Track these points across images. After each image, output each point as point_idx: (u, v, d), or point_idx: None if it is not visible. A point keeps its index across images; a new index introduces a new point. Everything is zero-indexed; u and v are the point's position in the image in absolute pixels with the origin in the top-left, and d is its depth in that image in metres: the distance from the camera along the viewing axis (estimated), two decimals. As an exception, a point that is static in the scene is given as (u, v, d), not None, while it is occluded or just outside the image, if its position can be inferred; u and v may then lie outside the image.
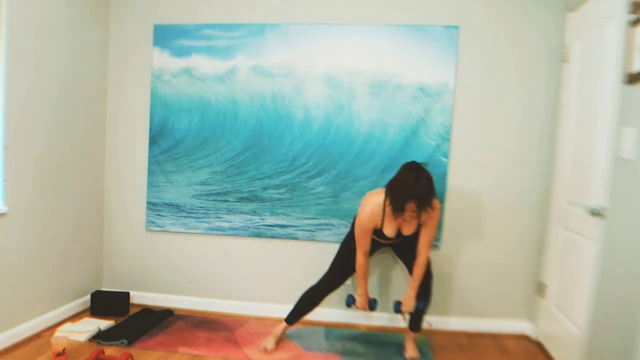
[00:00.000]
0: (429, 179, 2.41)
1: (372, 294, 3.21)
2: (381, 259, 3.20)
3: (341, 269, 2.78)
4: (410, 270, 2.75)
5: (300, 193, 3.23)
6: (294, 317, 2.82)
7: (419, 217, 2.53)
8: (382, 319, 3.21)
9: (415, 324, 2.77)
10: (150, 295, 3.45)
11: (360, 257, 2.67)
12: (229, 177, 3.31)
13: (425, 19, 3.08)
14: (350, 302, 2.79)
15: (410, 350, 2.74)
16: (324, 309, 3.25)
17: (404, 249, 2.75)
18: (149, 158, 3.38)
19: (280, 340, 2.84)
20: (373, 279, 3.24)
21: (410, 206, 2.40)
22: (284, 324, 2.83)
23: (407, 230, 2.60)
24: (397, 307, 2.70)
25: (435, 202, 2.52)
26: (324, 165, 3.20)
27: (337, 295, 3.27)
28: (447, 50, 3.06)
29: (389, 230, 2.60)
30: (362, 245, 2.64)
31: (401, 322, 3.17)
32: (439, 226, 3.13)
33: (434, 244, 3.15)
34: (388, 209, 2.52)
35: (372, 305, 2.78)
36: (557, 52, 2.98)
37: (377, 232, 2.63)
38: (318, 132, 3.20)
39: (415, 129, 3.11)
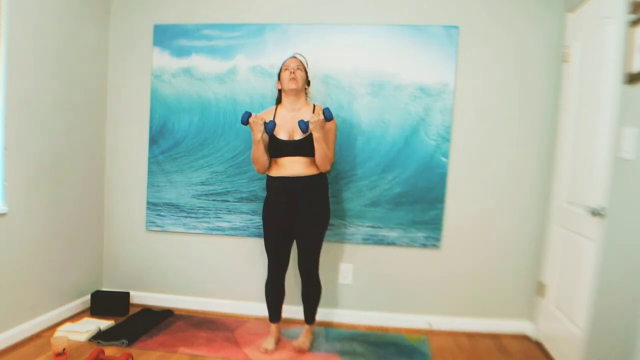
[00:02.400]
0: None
1: (371, 293, 3.21)
2: (376, 261, 3.20)
3: (275, 245, 2.74)
4: (300, 258, 2.74)
5: (300, 193, 3.22)
6: (271, 315, 2.84)
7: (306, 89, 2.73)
8: (382, 319, 3.21)
9: (310, 315, 2.81)
10: (150, 295, 3.45)
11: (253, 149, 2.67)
12: (229, 177, 3.31)
13: (425, 19, 3.08)
14: (245, 119, 2.63)
15: (305, 339, 2.80)
16: (324, 309, 3.25)
17: (305, 223, 2.70)
18: (149, 158, 3.38)
19: (278, 340, 2.84)
20: (369, 278, 3.23)
21: (295, 61, 2.71)
22: (272, 324, 2.84)
23: (300, 134, 2.63)
24: (306, 124, 2.58)
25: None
26: (324, 165, 3.20)
27: (338, 295, 3.27)
28: (447, 50, 3.06)
29: (280, 132, 2.65)
30: (255, 141, 2.63)
31: (399, 322, 3.18)
32: (438, 226, 3.13)
33: (434, 244, 3.15)
34: (279, 112, 2.72)
35: (269, 126, 2.62)
36: (557, 52, 2.98)
37: (272, 141, 2.65)
38: (318, 132, 3.19)
39: (415, 128, 3.11)
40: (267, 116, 2.73)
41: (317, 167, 2.67)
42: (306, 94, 2.80)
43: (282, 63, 2.76)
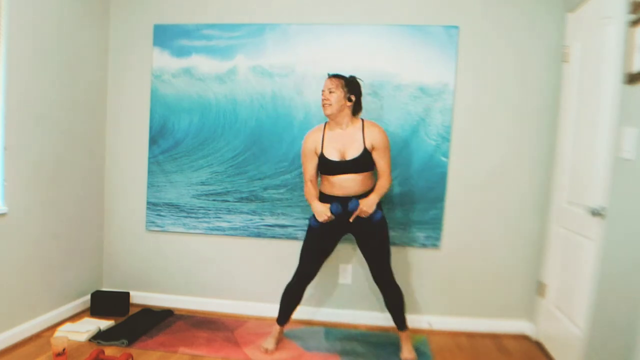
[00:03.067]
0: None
1: (371, 293, 3.21)
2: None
3: (310, 258, 2.72)
4: (373, 271, 2.70)
5: (300, 193, 3.23)
6: (282, 317, 2.80)
7: (363, 138, 2.60)
8: (382, 319, 3.21)
9: (399, 321, 2.74)
10: (150, 295, 3.45)
11: (306, 184, 2.71)
12: (229, 177, 3.31)
13: (425, 19, 3.08)
14: (314, 224, 2.66)
15: (406, 352, 2.72)
16: (324, 309, 3.25)
17: (367, 239, 2.68)
18: (149, 158, 3.38)
19: (279, 340, 2.84)
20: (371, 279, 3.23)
21: (331, 82, 2.60)
22: (277, 326, 2.82)
23: (351, 153, 2.59)
24: (355, 205, 2.56)
25: (378, 125, 2.69)
26: (324, 165, 3.20)
27: (338, 295, 3.27)
28: (447, 50, 3.06)
29: (330, 151, 2.61)
30: (307, 170, 2.70)
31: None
32: (438, 226, 3.13)
33: (434, 244, 3.15)
34: (328, 132, 2.66)
35: (333, 209, 2.59)
36: (557, 52, 2.98)
37: (323, 162, 2.63)
38: (318, 132, 3.19)
39: (415, 128, 3.11)
40: (316, 135, 2.68)
41: (371, 182, 2.66)
42: (354, 108, 2.66)
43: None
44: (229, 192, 3.32)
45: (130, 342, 2.76)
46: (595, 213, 2.29)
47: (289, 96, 3.20)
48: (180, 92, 3.32)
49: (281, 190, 3.25)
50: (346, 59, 3.14)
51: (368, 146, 2.60)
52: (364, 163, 2.60)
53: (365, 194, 2.63)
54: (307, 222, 3.23)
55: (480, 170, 3.12)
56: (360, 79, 2.71)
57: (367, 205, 2.57)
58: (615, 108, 2.21)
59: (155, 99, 3.34)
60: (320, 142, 2.66)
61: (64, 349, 2.40)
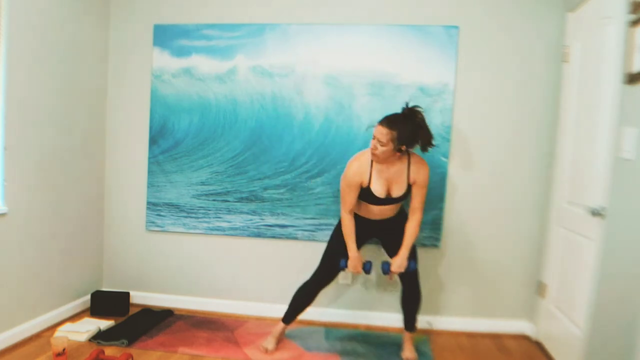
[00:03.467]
0: (411, 116, 2.45)
1: (372, 293, 3.21)
2: (378, 259, 3.21)
3: (331, 263, 2.73)
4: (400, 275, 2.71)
5: (300, 193, 3.23)
6: (289, 316, 2.81)
7: (408, 174, 2.54)
8: (382, 319, 3.21)
9: (410, 323, 2.76)
10: (150, 295, 3.45)
11: (345, 215, 2.61)
12: (229, 177, 3.31)
13: (425, 19, 3.08)
14: (342, 265, 2.67)
15: (408, 351, 2.73)
16: (324, 309, 3.25)
17: (391, 239, 2.71)
18: (149, 158, 3.38)
19: (279, 340, 2.84)
20: (371, 278, 3.23)
21: (381, 132, 2.40)
22: (282, 324, 2.82)
23: (397, 191, 2.56)
24: (386, 268, 2.62)
25: (424, 161, 2.59)
26: (324, 165, 3.20)
27: (337, 295, 3.27)
28: (447, 50, 3.06)
29: (378, 188, 2.55)
30: (347, 202, 2.58)
31: (399, 322, 3.17)
32: (438, 226, 3.14)
33: (434, 243, 3.15)
34: (375, 164, 2.54)
35: (366, 267, 2.66)
36: (557, 52, 2.98)
37: (366, 192, 2.57)
38: (318, 132, 3.20)
39: (415, 129, 3.11)
40: (364, 168, 2.54)
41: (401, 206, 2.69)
42: (403, 150, 2.51)
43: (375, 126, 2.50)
44: (229, 192, 3.32)
45: (130, 342, 2.76)
46: (595, 213, 2.29)
47: (289, 96, 3.20)
48: (180, 92, 3.32)
49: (281, 190, 3.25)
50: (346, 59, 3.14)
51: (411, 182, 2.58)
52: (406, 197, 2.62)
53: (396, 215, 2.68)
54: (307, 222, 3.23)
55: (480, 171, 3.12)
56: (420, 108, 2.49)
57: (401, 266, 2.60)
58: (615, 108, 2.21)
59: (155, 99, 3.34)
60: (368, 176, 2.54)
61: (64, 349, 2.40)
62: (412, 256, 2.65)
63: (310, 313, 3.24)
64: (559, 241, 2.84)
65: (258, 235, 3.30)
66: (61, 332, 2.80)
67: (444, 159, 3.10)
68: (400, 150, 2.47)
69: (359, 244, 2.71)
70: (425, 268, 3.19)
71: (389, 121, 2.43)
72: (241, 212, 3.31)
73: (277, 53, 3.20)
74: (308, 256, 3.25)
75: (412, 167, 2.56)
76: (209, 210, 3.34)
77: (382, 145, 2.42)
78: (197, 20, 3.27)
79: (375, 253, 3.17)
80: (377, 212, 2.64)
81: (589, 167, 2.48)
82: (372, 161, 2.54)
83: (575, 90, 2.75)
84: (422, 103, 3.09)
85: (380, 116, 3.10)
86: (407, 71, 3.10)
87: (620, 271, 2.07)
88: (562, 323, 2.65)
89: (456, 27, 3.05)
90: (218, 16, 3.26)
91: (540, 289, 3.04)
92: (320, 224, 3.23)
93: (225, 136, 3.30)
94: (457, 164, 3.11)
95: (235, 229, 3.33)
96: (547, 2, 2.99)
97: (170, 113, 3.34)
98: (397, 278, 2.78)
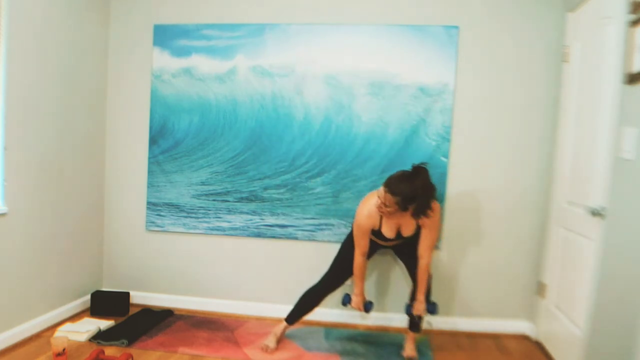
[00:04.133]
0: (414, 179, 2.42)
1: (371, 294, 3.21)
2: (380, 261, 3.21)
3: (341, 269, 2.78)
4: (409, 269, 2.76)
5: (300, 193, 3.23)
6: (294, 317, 2.82)
7: (416, 218, 2.52)
8: (382, 319, 3.21)
9: (416, 325, 2.77)
10: (150, 295, 3.45)
11: (358, 258, 2.68)
12: (229, 177, 3.31)
13: (425, 19, 3.08)
14: (346, 301, 2.78)
15: (409, 350, 2.74)
16: (324, 309, 3.25)
17: (404, 248, 2.76)
18: (149, 158, 3.38)
19: (280, 340, 2.84)
20: (372, 279, 3.24)
21: (386, 197, 2.40)
22: (284, 323, 2.83)
23: (407, 232, 2.62)
24: (409, 310, 2.70)
25: (435, 205, 2.53)
26: (324, 165, 3.20)
27: (337, 295, 3.27)
28: (447, 50, 3.06)
29: (387, 230, 2.61)
30: (361, 245, 2.66)
31: (401, 322, 3.18)
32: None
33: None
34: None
35: (367, 307, 2.77)
36: (557, 52, 2.98)
37: (377, 233, 2.63)
38: (318, 132, 3.20)
39: (415, 128, 3.11)
40: (373, 214, 2.57)
41: None
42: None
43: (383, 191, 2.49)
44: (229, 192, 3.32)
45: (130, 342, 2.76)
46: (595, 213, 2.29)
47: (289, 96, 3.20)
48: (180, 92, 3.32)
49: (281, 190, 3.25)
50: (346, 59, 3.14)
51: (420, 224, 2.60)
52: (417, 236, 2.64)
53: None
54: (307, 222, 3.23)
55: (480, 171, 3.11)
56: (427, 166, 2.48)
57: (421, 310, 2.65)
58: (615, 108, 2.21)
59: (155, 99, 3.34)
60: (379, 221, 2.60)
61: (64, 349, 2.40)
62: (428, 294, 2.70)
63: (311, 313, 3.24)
64: (559, 241, 2.84)
65: (258, 235, 3.30)
66: (61, 332, 2.80)
67: (444, 159, 3.10)
68: (407, 209, 2.46)
69: (372, 252, 2.77)
70: (425, 268, 3.19)
71: (393, 185, 2.42)
72: (241, 212, 3.31)
73: (277, 53, 3.20)
74: (308, 256, 3.25)
75: (420, 308, 2.65)
76: (209, 210, 3.34)
77: (387, 207, 2.45)
78: (197, 20, 3.27)
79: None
80: (390, 244, 2.74)
81: (589, 167, 2.48)
82: None
83: (575, 90, 2.75)
84: (422, 103, 3.10)
85: (379, 116, 3.12)
86: (407, 71, 3.10)
87: (620, 271, 2.07)
88: (562, 323, 2.65)
89: (456, 27, 3.05)
90: (218, 16, 3.26)
91: (540, 289, 3.04)
92: (320, 224, 3.23)
93: (225, 136, 3.30)
94: (457, 164, 3.11)
95: (235, 229, 3.33)
96: (547, 2, 2.99)
97: (170, 113, 3.34)
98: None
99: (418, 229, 2.62)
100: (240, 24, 3.23)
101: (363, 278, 2.73)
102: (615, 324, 2.07)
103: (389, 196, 2.42)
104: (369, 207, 2.59)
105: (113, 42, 3.38)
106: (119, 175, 3.44)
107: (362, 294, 2.75)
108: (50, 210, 2.92)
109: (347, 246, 2.76)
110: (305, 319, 3.21)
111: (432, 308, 2.69)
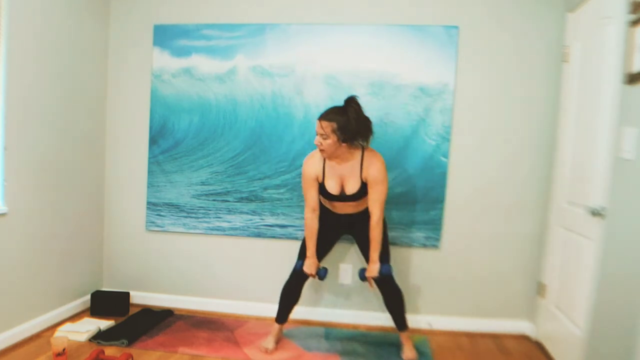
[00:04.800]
0: (346, 108, 2.50)
1: (372, 293, 3.21)
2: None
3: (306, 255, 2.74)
4: (367, 258, 2.72)
5: (300, 193, 3.23)
6: (281, 315, 2.81)
7: (360, 170, 2.55)
8: (382, 319, 3.21)
9: (400, 323, 2.75)
10: (150, 295, 3.45)
11: (307, 214, 2.68)
12: (229, 177, 3.31)
13: (425, 19, 3.08)
14: (298, 267, 2.70)
15: (408, 351, 2.73)
16: (324, 309, 3.25)
17: (362, 235, 2.70)
18: (149, 158, 3.38)
19: (279, 340, 2.84)
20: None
21: (322, 126, 2.47)
22: (276, 324, 2.82)
23: (351, 188, 2.59)
24: (362, 274, 2.67)
25: (378, 157, 2.58)
26: (324, 165, 3.20)
27: (338, 295, 3.27)
28: (447, 50, 3.06)
29: (331, 185, 2.61)
30: (309, 199, 2.66)
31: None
32: (438, 226, 3.13)
33: (434, 244, 3.15)
34: (327, 161, 2.61)
35: (321, 273, 2.70)
36: (557, 52, 2.98)
37: (322, 189, 2.63)
38: (318, 132, 3.19)
39: (415, 128, 3.11)
40: (317, 164, 2.62)
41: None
42: (354, 142, 2.56)
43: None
44: (229, 192, 3.32)
45: (130, 342, 2.76)
46: (595, 213, 2.29)
47: (289, 96, 3.20)
48: (180, 92, 3.32)
49: (281, 190, 3.25)
50: (346, 59, 3.14)
51: (364, 179, 2.59)
52: (362, 194, 2.62)
53: (363, 211, 2.67)
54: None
55: (480, 171, 3.12)
56: (357, 97, 2.56)
57: (374, 270, 2.60)
58: (615, 108, 2.21)
59: (155, 99, 3.34)
60: (321, 171, 2.62)
61: (64, 349, 2.40)
62: (385, 259, 2.66)
63: (310, 313, 3.24)
64: (559, 241, 2.84)
65: (258, 235, 3.30)
66: (61, 332, 2.80)
67: (444, 159, 3.10)
68: (347, 142, 2.50)
69: (331, 239, 2.79)
70: (425, 268, 3.19)
71: (326, 114, 2.51)
72: (241, 212, 3.31)
73: (277, 53, 3.20)
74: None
75: (364, 163, 2.58)
76: (209, 210, 3.34)
77: (325, 139, 2.49)
78: (197, 20, 3.27)
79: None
80: (339, 207, 2.70)
81: (589, 167, 2.48)
82: (324, 158, 2.61)
83: (575, 90, 2.75)
84: (422, 103, 3.10)
85: (379, 116, 3.12)
86: (407, 71, 3.10)
87: (620, 271, 2.07)
88: (562, 323, 2.65)
89: (456, 27, 3.05)
90: (218, 16, 3.26)
91: (540, 289, 3.04)
92: (320, 224, 3.22)
93: (225, 136, 3.30)
94: (457, 164, 3.11)
95: (235, 229, 3.33)
96: (547, 2, 2.99)
97: (170, 113, 3.34)
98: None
99: (362, 188, 2.58)
100: (240, 24, 3.23)
101: (314, 239, 2.68)
102: (615, 324, 2.07)
103: (325, 123, 2.47)
104: (313, 158, 2.66)
105: (113, 42, 3.38)
106: (119, 175, 3.44)
107: (314, 256, 2.69)
108: (50, 210, 2.92)
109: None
110: (306, 319, 3.22)
111: (386, 270, 2.60)
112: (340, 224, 2.78)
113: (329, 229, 2.77)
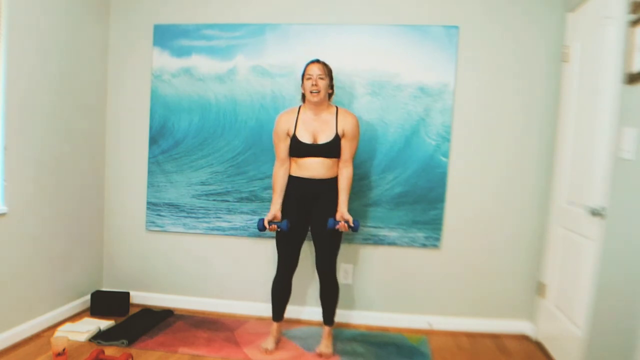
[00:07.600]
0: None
1: (371, 294, 3.21)
2: (379, 260, 3.20)
3: (285, 245, 2.75)
4: (317, 259, 2.73)
5: (300, 193, 3.22)
6: (276, 313, 2.82)
7: (336, 124, 2.64)
8: (381, 319, 3.21)
9: (328, 317, 2.79)
10: (150, 295, 3.44)
11: (276, 166, 2.73)
12: (229, 177, 3.31)
13: (425, 19, 3.08)
14: (260, 225, 2.66)
15: (324, 346, 2.74)
16: (324, 309, 3.25)
17: (321, 231, 2.68)
18: (149, 158, 3.38)
19: (278, 340, 2.84)
20: (372, 279, 3.23)
21: (320, 68, 2.62)
22: (274, 323, 2.83)
23: (323, 138, 2.64)
24: (332, 222, 2.59)
25: (354, 116, 2.71)
26: (324, 165, 3.20)
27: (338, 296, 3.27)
28: (447, 50, 3.06)
29: (303, 135, 2.64)
30: (278, 151, 2.72)
31: (399, 322, 3.18)
32: (438, 226, 3.13)
33: (434, 244, 3.15)
34: (302, 115, 2.69)
35: (283, 225, 2.65)
36: (557, 52, 2.98)
37: (293, 140, 2.66)
38: (318, 132, 3.19)
39: (415, 128, 3.11)
40: (290, 117, 2.71)
41: (337, 168, 2.70)
42: (329, 96, 2.74)
43: (304, 66, 2.69)
44: (229, 192, 3.32)
45: (130, 342, 2.76)
46: (595, 213, 2.29)
47: (289, 96, 3.20)
48: (180, 92, 3.32)
49: (281, 190, 3.25)
50: (346, 59, 3.13)
51: (339, 132, 2.65)
52: (334, 149, 2.65)
53: (329, 179, 2.69)
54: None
55: (480, 171, 3.11)
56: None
57: (346, 216, 2.62)
58: (615, 108, 2.21)
59: (155, 99, 3.34)
60: (294, 124, 2.68)
61: (64, 349, 2.40)
62: (333, 264, 2.72)
63: (311, 313, 3.24)
64: (559, 241, 2.84)
65: (258, 235, 3.30)
66: (61, 332, 2.80)
67: (444, 159, 3.10)
68: (332, 87, 2.70)
69: (294, 213, 2.70)
70: (425, 268, 3.19)
71: (320, 60, 2.68)
72: (241, 212, 3.31)
73: (277, 53, 3.19)
74: (307, 256, 3.24)
75: (339, 117, 2.68)
76: (209, 210, 3.34)
77: (322, 79, 2.61)
78: (197, 20, 3.27)
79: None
80: (306, 166, 2.66)
81: (589, 167, 2.48)
82: (298, 113, 2.70)
83: (575, 90, 2.75)
84: (422, 103, 3.10)
85: (379, 116, 3.12)
86: (407, 71, 3.10)
87: (620, 271, 2.07)
88: (562, 323, 2.65)
89: (456, 27, 3.05)
90: (218, 16, 3.26)
91: (540, 289, 3.04)
92: (320, 224, 3.22)
93: (225, 136, 3.30)
94: (457, 163, 3.11)
95: (236, 229, 3.32)
96: (547, 2, 2.99)
97: (170, 113, 3.34)
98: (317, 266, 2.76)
99: (335, 141, 2.62)
100: (240, 24, 3.23)
101: (281, 192, 2.71)
102: (615, 323, 2.07)
103: (322, 64, 2.65)
104: (286, 113, 2.75)
105: (113, 42, 3.38)
106: (119, 175, 3.44)
107: (278, 209, 2.69)
108: (50, 210, 2.92)
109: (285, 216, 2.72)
110: (305, 319, 3.22)
111: (357, 223, 2.60)
112: (305, 197, 2.69)
113: (292, 203, 2.70)
